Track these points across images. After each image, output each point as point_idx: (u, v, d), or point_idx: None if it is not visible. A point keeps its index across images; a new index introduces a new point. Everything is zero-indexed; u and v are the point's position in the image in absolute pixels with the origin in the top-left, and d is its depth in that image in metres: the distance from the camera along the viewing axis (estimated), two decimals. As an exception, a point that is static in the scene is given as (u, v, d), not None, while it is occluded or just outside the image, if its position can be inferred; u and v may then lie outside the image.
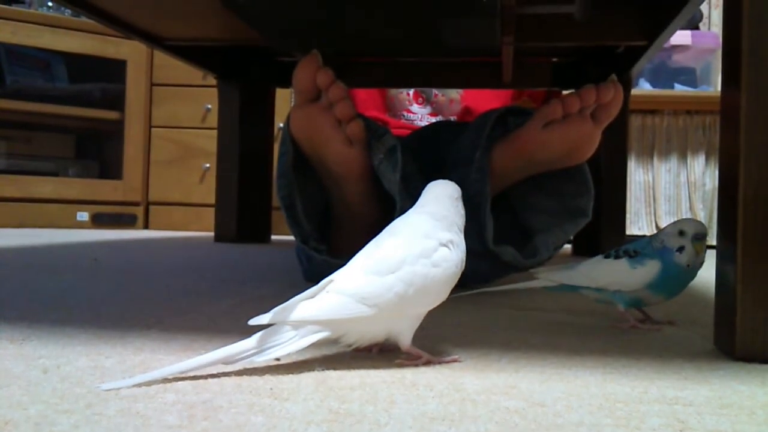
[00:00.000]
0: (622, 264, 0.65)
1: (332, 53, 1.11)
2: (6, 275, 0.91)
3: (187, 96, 2.38)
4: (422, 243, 0.47)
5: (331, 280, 0.46)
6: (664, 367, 0.49)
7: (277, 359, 0.46)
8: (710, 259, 0.58)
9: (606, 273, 0.66)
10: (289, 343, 0.43)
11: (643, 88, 2.23)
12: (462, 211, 0.51)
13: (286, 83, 1.73)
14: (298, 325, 0.44)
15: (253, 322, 0.44)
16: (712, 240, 0.61)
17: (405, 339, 0.47)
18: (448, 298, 0.49)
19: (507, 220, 0.91)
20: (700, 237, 0.62)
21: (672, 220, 1.19)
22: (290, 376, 0.43)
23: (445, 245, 0.48)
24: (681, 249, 0.62)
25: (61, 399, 0.36)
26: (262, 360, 0.43)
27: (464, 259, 0.49)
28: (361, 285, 0.45)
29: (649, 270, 0.63)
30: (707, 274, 0.61)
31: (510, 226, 0.91)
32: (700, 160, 2.22)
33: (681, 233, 0.62)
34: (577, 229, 0.89)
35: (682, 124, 2.23)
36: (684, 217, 2.01)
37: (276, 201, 0.86)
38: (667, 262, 0.63)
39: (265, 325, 0.44)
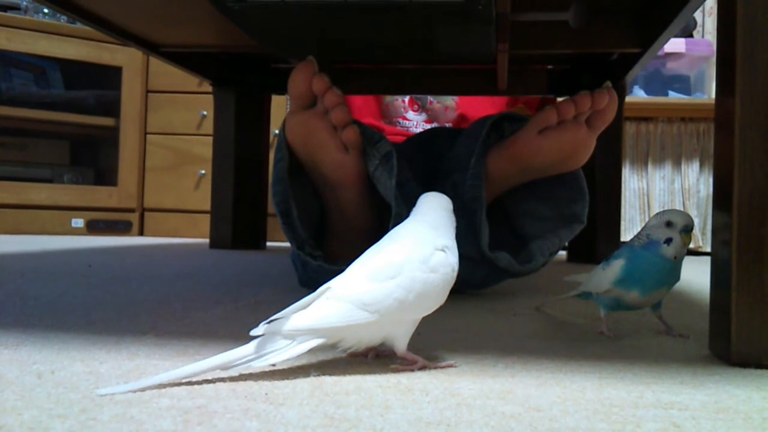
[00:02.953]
0: (598, 267, 0.66)
1: (328, 60, 1.11)
2: (1, 281, 0.91)
3: (182, 102, 2.38)
4: (420, 249, 0.48)
5: (329, 287, 0.46)
6: (660, 372, 0.49)
7: (273, 364, 0.46)
8: (705, 265, 0.58)
9: (589, 278, 0.67)
10: (286, 349, 0.43)
11: (638, 95, 2.24)
12: (454, 223, 0.52)
13: (282, 90, 1.73)
14: (302, 334, 0.44)
15: (254, 332, 0.43)
16: (707, 246, 0.61)
17: (401, 344, 0.47)
18: (443, 303, 0.49)
19: (502, 226, 0.91)
20: (689, 229, 0.60)
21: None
22: (286, 381, 0.43)
23: (441, 250, 0.48)
24: (669, 241, 0.60)
25: (56, 404, 0.36)
26: (259, 366, 0.43)
27: (458, 264, 0.50)
28: (362, 291, 0.45)
29: (613, 267, 0.62)
30: (702, 280, 0.61)
31: (505, 232, 0.91)
32: (695, 167, 2.23)
33: (668, 224, 0.60)
34: (572, 235, 0.89)
35: (677, 131, 2.24)
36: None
37: (271, 207, 0.86)
38: (637, 256, 0.61)
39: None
